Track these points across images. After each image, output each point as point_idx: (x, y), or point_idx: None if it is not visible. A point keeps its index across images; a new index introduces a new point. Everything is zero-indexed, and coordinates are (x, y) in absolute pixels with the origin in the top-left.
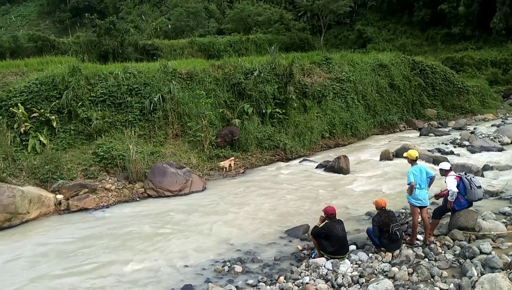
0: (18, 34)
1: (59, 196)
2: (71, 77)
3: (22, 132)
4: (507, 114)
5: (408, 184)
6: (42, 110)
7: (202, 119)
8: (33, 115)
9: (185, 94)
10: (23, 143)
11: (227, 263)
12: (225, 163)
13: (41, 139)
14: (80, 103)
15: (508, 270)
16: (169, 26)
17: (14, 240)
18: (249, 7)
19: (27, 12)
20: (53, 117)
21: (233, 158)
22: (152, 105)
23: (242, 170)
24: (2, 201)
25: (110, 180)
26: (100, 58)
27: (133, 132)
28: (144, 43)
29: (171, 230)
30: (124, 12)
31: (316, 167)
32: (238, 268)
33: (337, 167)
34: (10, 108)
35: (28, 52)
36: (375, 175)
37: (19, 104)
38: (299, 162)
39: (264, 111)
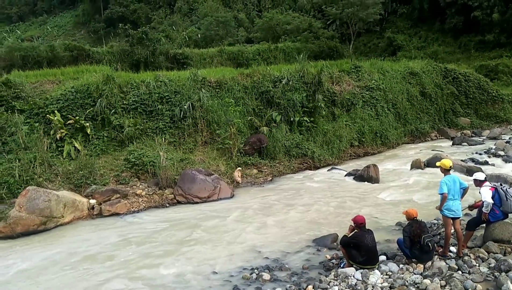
0: (54, 43)
1: (92, 201)
2: (104, 85)
3: (58, 138)
4: None
5: (440, 194)
6: (77, 117)
7: (231, 127)
8: (68, 122)
9: (214, 102)
10: (59, 149)
11: (255, 270)
12: (236, 175)
13: (76, 145)
14: (113, 111)
15: None
16: (199, 35)
17: (49, 243)
18: (278, 16)
19: (63, 22)
20: (88, 124)
21: (239, 168)
22: (182, 112)
23: (270, 178)
24: (38, 205)
25: (140, 186)
26: (132, 67)
27: (163, 139)
28: (175, 52)
29: (199, 236)
30: (156, 22)
31: (345, 176)
32: (266, 276)
33: (367, 176)
34: (47, 115)
35: (64, 61)
36: (406, 184)
37: (55, 111)
38: (328, 170)
39: (292, 119)
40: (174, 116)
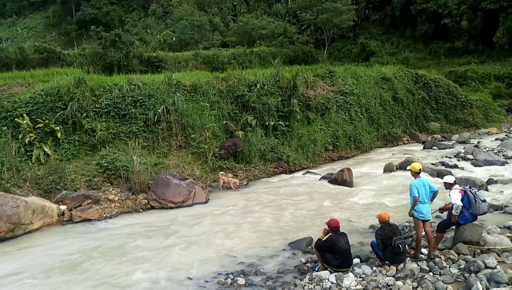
0: (24, 45)
1: (62, 207)
2: (76, 88)
3: (26, 142)
4: (511, 128)
5: (411, 196)
6: (47, 121)
7: (206, 131)
8: (38, 126)
9: (189, 105)
10: (28, 153)
11: (230, 275)
12: (225, 179)
13: (46, 149)
14: (84, 114)
15: None
16: (174, 38)
17: (17, 250)
18: (253, 20)
19: (34, 24)
20: (58, 128)
21: (222, 173)
22: (156, 116)
23: (246, 182)
24: (5, 212)
25: (113, 191)
26: (105, 70)
27: (137, 143)
28: (149, 55)
29: (173, 241)
30: (130, 25)
31: (320, 180)
32: (241, 281)
33: (341, 180)
34: (15, 119)
35: (34, 63)
36: (379, 188)
37: (24, 115)
38: (303, 174)
39: (267, 123)
40: (148, 120)
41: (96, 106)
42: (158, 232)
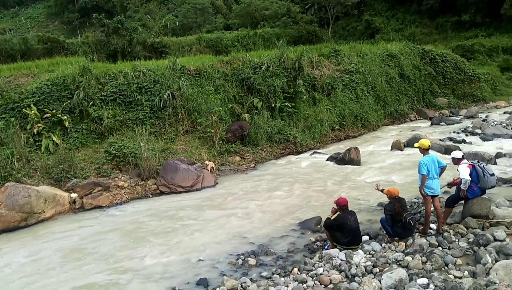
0: (28, 36)
1: (73, 195)
2: (81, 77)
3: (35, 132)
4: None
5: (420, 173)
6: (54, 111)
7: (212, 115)
8: (45, 115)
9: (194, 90)
10: (37, 143)
11: (241, 256)
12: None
13: (54, 139)
14: (91, 103)
15: None
16: (177, 23)
17: (31, 238)
18: (256, 1)
19: (36, 14)
20: (65, 117)
21: (211, 162)
22: (162, 102)
23: (253, 165)
24: (18, 201)
25: (122, 177)
26: (109, 57)
27: (144, 129)
28: (152, 41)
29: (184, 225)
30: (132, 11)
31: (327, 160)
32: (252, 261)
33: (348, 159)
34: (23, 110)
35: (39, 53)
36: (387, 165)
37: (31, 105)
38: (310, 155)
39: (273, 105)
40: (154, 106)
41: (102, 94)
42: (169, 216)
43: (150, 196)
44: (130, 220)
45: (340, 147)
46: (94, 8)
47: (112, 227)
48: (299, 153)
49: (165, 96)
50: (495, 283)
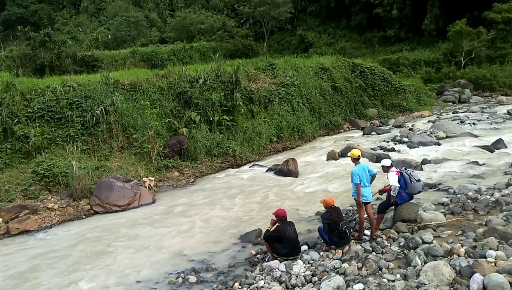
0: None
1: None
2: (5, 93)
3: None
4: (442, 110)
5: (353, 183)
6: None
7: (148, 130)
8: None
9: (129, 105)
10: None
11: (181, 274)
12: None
13: None
14: (16, 120)
15: (449, 257)
16: (109, 36)
17: None
18: (191, 15)
19: None
20: None
21: (150, 178)
22: (94, 118)
23: (192, 179)
24: None
25: (52, 199)
26: (36, 72)
27: (75, 147)
28: (83, 54)
29: (120, 246)
30: (60, 23)
31: (266, 171)
32: (193, 279)
33: (286, 170)
34: None
35: None
36: (323, 175)
37: None
38: (249, 167)
39: (211, 118)
40: (86, 122)
41: (28, 110)
42: (104, 237)
43: (84, 217)
44: (61, 243)
45: (279, 159)
46: (19, 20)
47: (41, 252)
48: (238, 166)
49: (97, 111)
50: (425, 284)
